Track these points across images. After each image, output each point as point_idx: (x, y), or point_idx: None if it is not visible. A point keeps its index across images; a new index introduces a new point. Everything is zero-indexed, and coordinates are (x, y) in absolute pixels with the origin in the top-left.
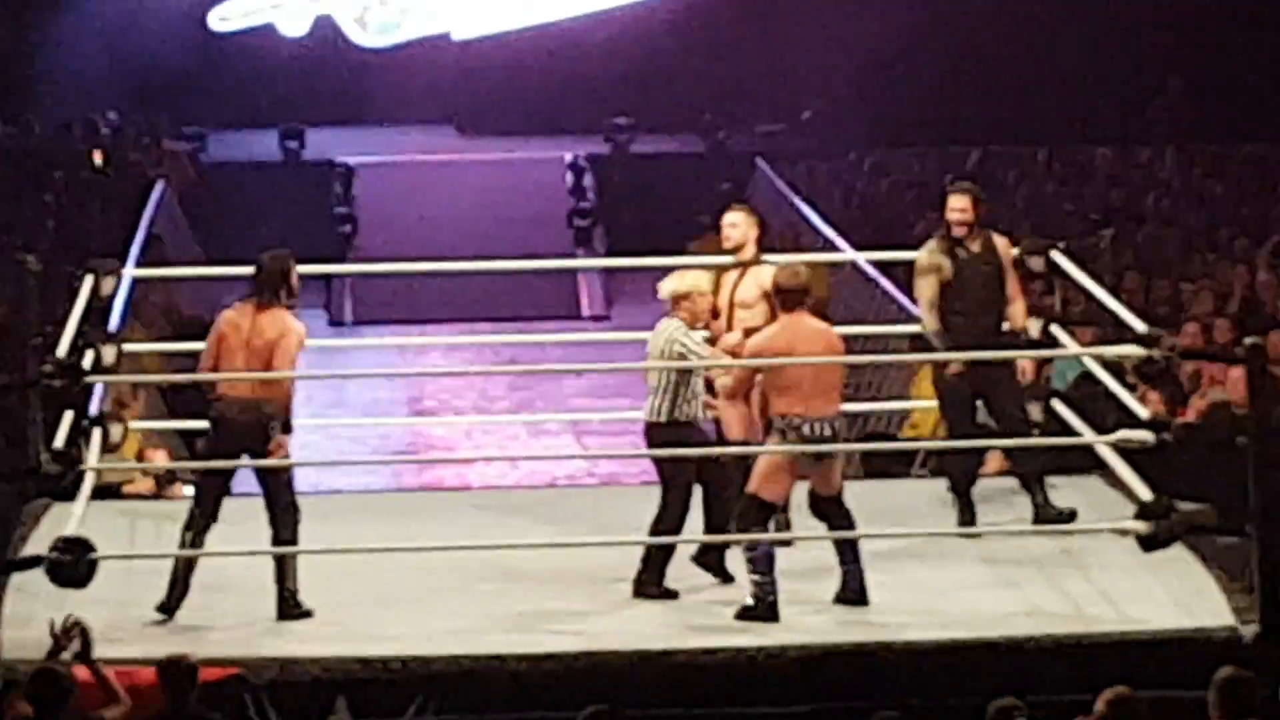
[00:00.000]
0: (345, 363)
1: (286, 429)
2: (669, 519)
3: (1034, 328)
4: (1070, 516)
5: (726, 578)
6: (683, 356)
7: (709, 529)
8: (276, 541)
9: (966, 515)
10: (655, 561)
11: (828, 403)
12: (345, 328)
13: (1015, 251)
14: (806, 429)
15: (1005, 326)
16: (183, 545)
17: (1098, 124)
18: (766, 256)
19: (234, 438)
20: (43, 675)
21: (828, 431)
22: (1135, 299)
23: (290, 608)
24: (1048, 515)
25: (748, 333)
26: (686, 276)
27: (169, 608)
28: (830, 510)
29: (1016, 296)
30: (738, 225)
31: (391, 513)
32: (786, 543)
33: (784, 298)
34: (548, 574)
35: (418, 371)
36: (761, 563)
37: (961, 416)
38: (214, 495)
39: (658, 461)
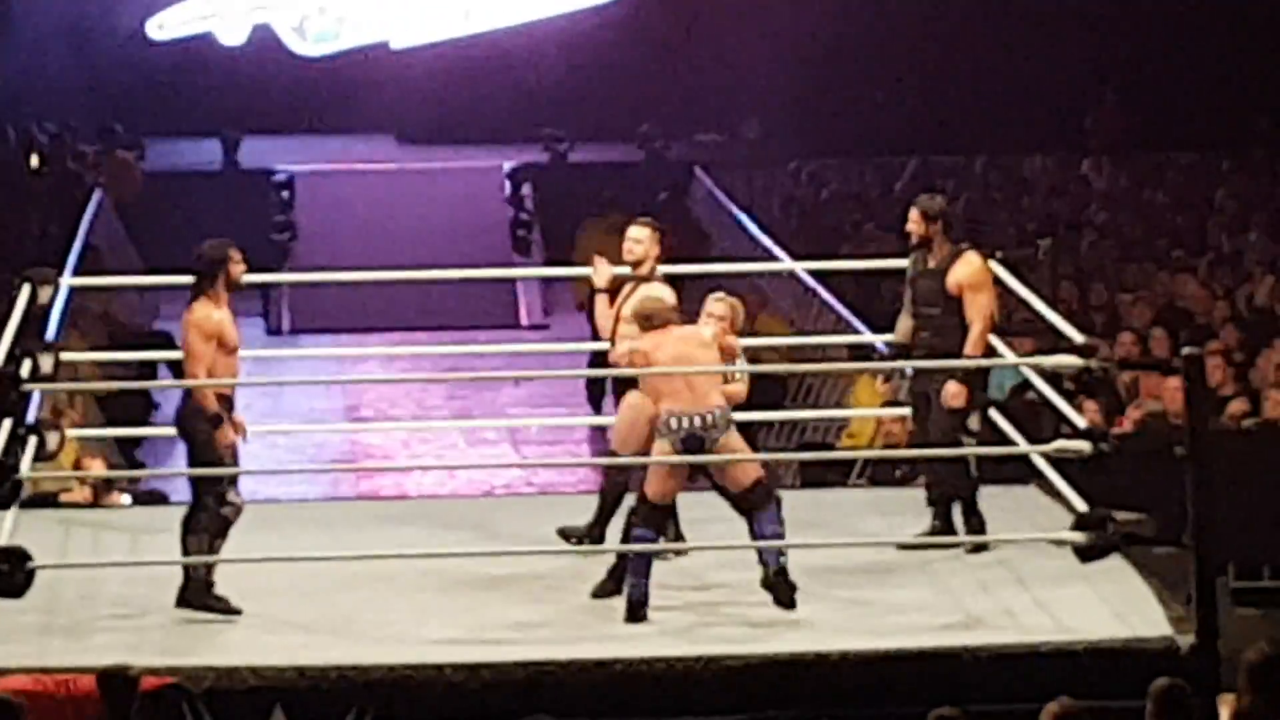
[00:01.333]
0: (282, 371)
1: (216, 423)
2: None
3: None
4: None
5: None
6: None
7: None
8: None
9: (940, 524)
10: (619, 568)
11: (699, 399)
12: (283, 336)
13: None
14: (674, 423)
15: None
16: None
17: (1034, 134)
18: (663, 269)
19: (179, 428)
20: None
21: (698, 424)
22: (1072, 309)
23: (192, 594)
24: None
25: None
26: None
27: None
28: (748, 503)
29: (972, 321)
30: (641, 242)
31: (328, 521)
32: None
33: (650, 322)
34: (485, 583)
35: (355, 379)
36: (639, 564)
37: (922, 425)
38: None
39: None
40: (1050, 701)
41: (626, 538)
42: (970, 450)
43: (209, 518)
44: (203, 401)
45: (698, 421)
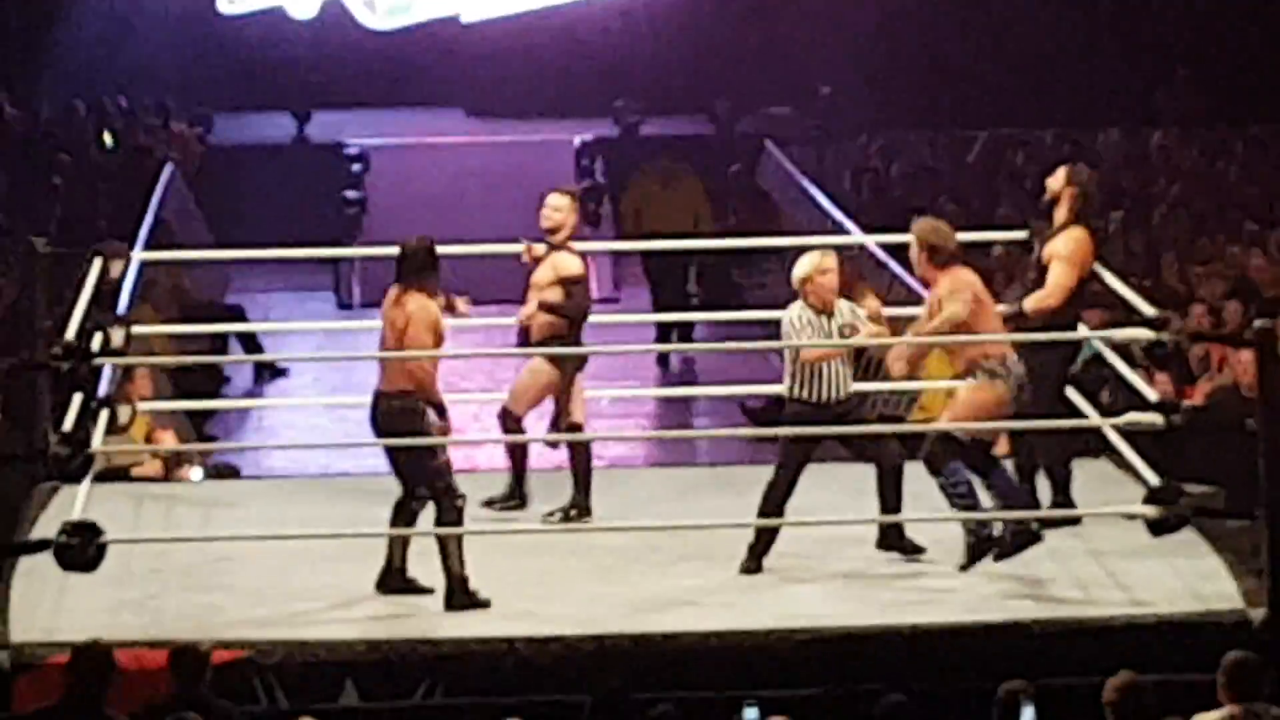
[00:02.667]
0: (353, 345)
1: (440, 414)
2: (772, 499)
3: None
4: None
5: (916, 549)
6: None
7: (885, 509)
8: (439, 525)
9: (1061, 498)
10: (759, 543)
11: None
12: (353, 310)
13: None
14: (1010, 363)
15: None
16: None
17: (1105, 107)
18: (575, 244)
19: (386, 429)
20: (84, 652)
21: (1021, 368)
22: (1144, 282)
23: (460, 596)
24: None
25: (542, 307)
26: (805, 260)
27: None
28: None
29: (1046, 284)
30: (560, 210)
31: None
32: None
33: (936, 254)
34: (555, 557)
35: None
36: (965, 495)
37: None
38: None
39: (778, 439)
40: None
41: (762, 511)
42: (1041, 424)
43: (457, 515)
44: (435, 394)
45: (1020, 365)
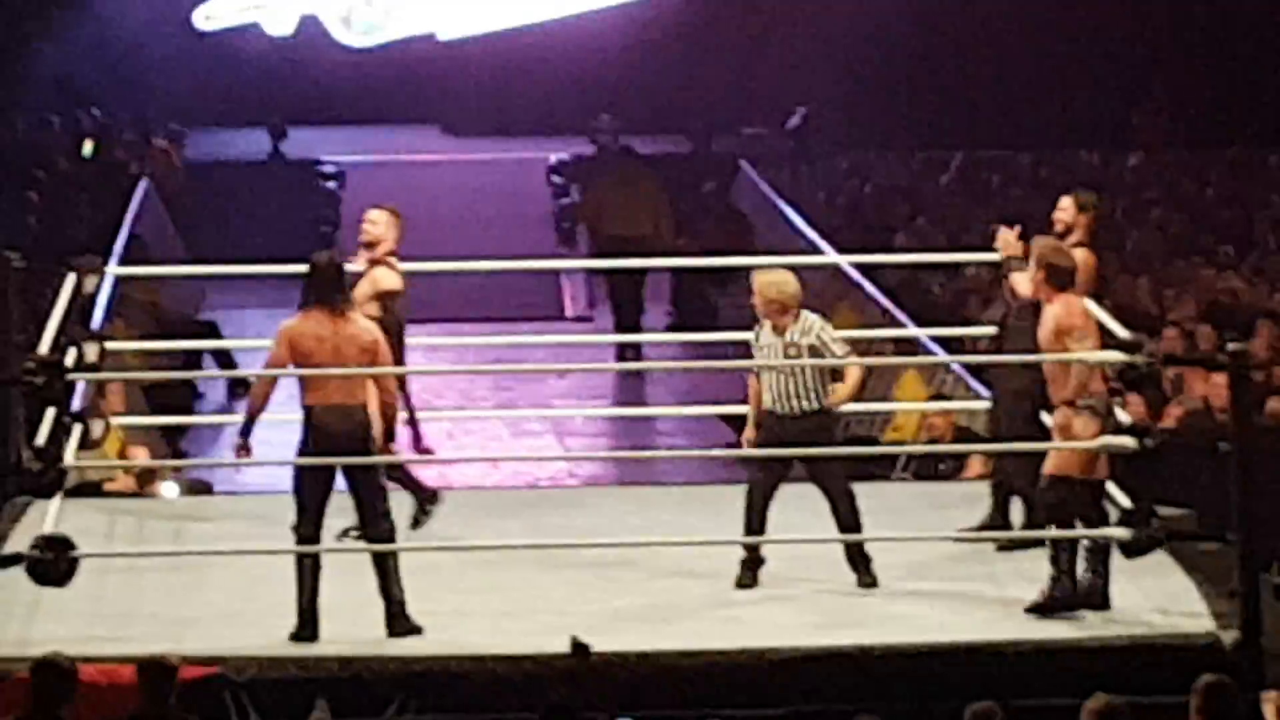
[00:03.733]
0: None
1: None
2: (750, 515)
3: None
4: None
5: (870, 583)
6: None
7: (841, 530)
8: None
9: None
10: (747, 562)
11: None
12: None
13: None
14: (1108, 405)
15: None
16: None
17: (1081, 129)
18: (395, 262)
19: (333, 446)
20: (46, 665)
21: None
22: (1117, 304)
23: (400, 621)
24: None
25: None
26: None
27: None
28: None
29: None
30: (376, 223)
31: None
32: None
33: (1055, 274)
34: (528, 575)
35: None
36: (1064, 557)
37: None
38: (319, 499)
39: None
40: (1090, 697)
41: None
42: (1017, 446)
43: (392, 537)
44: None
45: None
